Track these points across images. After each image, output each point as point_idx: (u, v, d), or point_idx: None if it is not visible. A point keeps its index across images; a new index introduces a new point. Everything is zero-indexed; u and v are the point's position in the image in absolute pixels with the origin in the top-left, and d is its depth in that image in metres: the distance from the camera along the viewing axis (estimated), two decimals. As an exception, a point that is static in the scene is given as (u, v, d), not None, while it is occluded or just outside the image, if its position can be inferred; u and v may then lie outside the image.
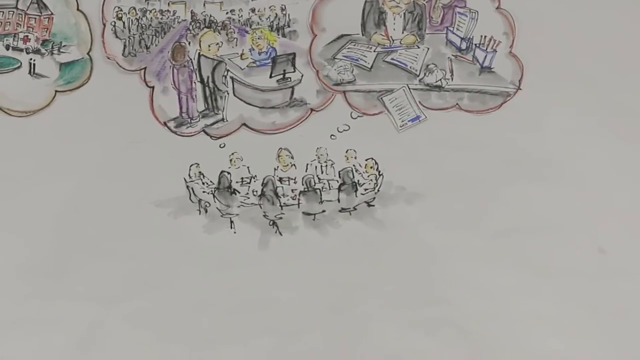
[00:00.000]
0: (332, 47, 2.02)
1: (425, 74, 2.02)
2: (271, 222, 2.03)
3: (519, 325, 2.04)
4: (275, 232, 2.03)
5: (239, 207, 2.03)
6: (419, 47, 2.03)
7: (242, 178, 2.02)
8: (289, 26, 2.00)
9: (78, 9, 1.95)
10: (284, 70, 2.01)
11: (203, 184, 2.01)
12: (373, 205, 2.04)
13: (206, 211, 2.02)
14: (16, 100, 1.96)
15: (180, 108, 2.00)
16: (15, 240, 1.99)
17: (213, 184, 2.02)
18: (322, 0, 1.99)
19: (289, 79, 2.02)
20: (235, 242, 2.03)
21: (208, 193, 2.02)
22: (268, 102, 2.01)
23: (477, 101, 2.02)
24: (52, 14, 1.94)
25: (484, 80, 2.03)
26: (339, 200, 2.04)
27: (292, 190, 2.03)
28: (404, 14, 2.01)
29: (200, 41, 1.99)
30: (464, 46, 2.02)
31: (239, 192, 2.02)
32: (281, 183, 2.03)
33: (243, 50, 2.01)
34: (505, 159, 2.03)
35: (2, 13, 1.93)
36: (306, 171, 2.03)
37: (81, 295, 2.01)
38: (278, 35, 2.01)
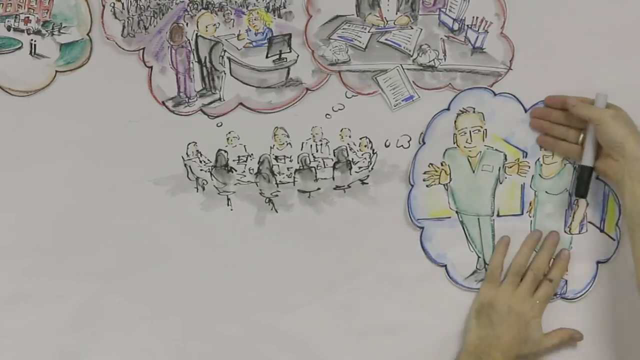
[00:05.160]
0: (327, 28, 2.04)
1: (418, 54, 2.04)
2: (267, 199, 2.06)
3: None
4: (271, 209, 2.06)
5: (235, 184, 2.05)
6: (412, 28, 2.04)
7: (238, 156, 2.05)
8: (284, 7, 2.03)
9: (78, -10, 1.98)
10: (280, 51, 2.04)
11: (200, 162, 2.04)
12: (367, 183, 2.06)
13: (203, 189, 2.05)
14: (17, 80, 1.99)
15: (178, 88, 2.03)
16: (15, 217, 2.03)
17: (210, 162, 2.04)
18: (317, -18, 2.02)
19: (284, 59, 2.04)
20: (232, 219, 2.06)
21: (205, 171, 2.04)
22: (264, 82, 2.04)
23: (469, 81, 2.05)
24: (52, -5, 1.97)
25: (475, 60, 2.05)
26: (333, 178, 2.06)
27: (287, 169, 2.05)
28: (398, -5, 2.04)
29: (197, 22, 2.02)
30: (456, 27, 2.04)
31: (236, 170, 2.05)
32: (277, 161, 2.05)
33: (240, 31, 2.03)
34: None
35: (3, -6, 1.97)
36: (301, 150, 2.06)
37: (80, 271, 2.04)
38: (274, 16, 2.03)
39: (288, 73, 2.04)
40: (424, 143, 2.05)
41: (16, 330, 2.04)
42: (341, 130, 2.05)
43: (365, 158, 2.05)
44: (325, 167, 2.05)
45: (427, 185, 2.06)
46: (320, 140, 2.04)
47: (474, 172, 2.05)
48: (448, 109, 2.05)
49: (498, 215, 2.07)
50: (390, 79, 2.04)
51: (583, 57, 2.05)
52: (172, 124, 2.03)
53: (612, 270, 2.06)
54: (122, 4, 1.99)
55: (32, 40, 1.98)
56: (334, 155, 2.05)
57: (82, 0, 1.98)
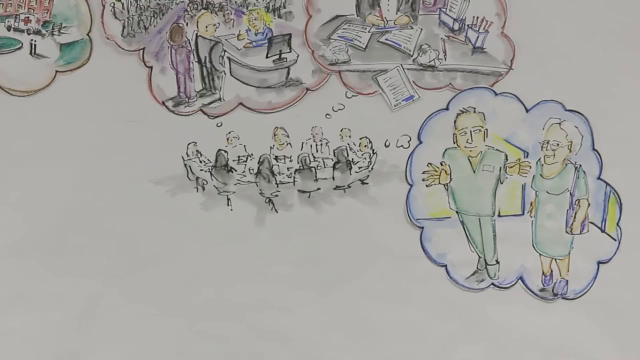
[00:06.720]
0: (327, 28, 2.04)
1: (418, 54, 2.04)
2: (267, 199, 2.06)
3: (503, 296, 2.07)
4: (271, 209, 2.06)
5: (235, 184, 2.05)
6: (412, 28, 2.04)
7: (238, 156, 2.05)
8: (284, 7, 2.03)
9: (78, -10, 1.99)
10: (280, 51, 2.04)
11: (200, 162, 2.03)
12: (367, 183, 2.06)
13: (203, 189, 2.05)
14: (17, 80, 2.00)
15: (178, 88, 2.03)
16: (16, 216, 2.02)
17: (210, 162, 2.04)
18: (317, -18, 2.02)
19: (284, 59, 2.04)
20: (232, 219, 2.06)
21: (205, 171, 2.04)
22: (264, 82, 2.04)
23: (469, 81, 2.05)
24: (52, -5, 1.98)
25: (476, 60, 2.05)
26: (333, 178, 2.06)
27: (287, 169, 2.05)
28: (398, -6, 2.04)
29: (197, 22, 2.02)
30: (456, 27, 2.04)
31: (236, 170, 2.05)
32: (277, 161, 2.05)
33: (240, 31, 2.03)
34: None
35: (4, -5, 1.97)
36: (301, 150, 2.06)
37: (81, 270, 2.04)
38: (274, 16, 2.03)
39: (288, 73, 2.04)
40: (421, 142, 2.05)
41: (16, 330, 2.03)
42: (341, 130, 2.05)
43: (365, 158, 2.05)
44: (325, 167, 2.04)
45: (426, 186, 2.05)
46: (320, 140, 2.04)
47: (474, 172, 2.05)
48: (447, 108, 2.04)
49: (499, 216, 2.07)
50: (391, 79, 2.04)
51: (583, 57, 2.05)
52: (172, 124, 2.03)
53: (613, 270, 2.05)
54: (122, 4, 2.00)
55: (32, 40, 1.99)
56: (334, 155, 2.05)
57: (82, 0, 1.99)
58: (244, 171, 2.05)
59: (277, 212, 2.06)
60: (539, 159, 2.06)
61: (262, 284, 2.06)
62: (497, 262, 2.07)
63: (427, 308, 2.06)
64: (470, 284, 2.07)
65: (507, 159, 2.06)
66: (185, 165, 2.04)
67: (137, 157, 2.03)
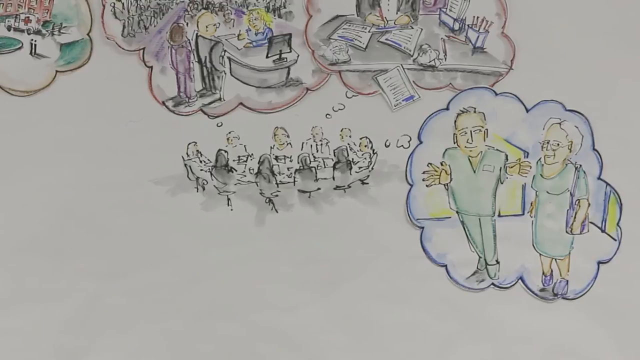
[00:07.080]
0: (328, 28, 2.04)
1: (419, 54, 2.04)
2: (267, 199, 2.05)
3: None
4: (271, 209, 2.05)
5: (235, 184, 2.05)
6: (412, 28, 2.04)
7: (238, 156, 2.05)
8: (285, 7, 2.03)
9: (78, -10, 1.99)
10: (280, 51, 2.04)
11: (201, 162, 2.03)
12: (367, 183, 2.06)
13: (204, 189, 2.04)
14: (17, 80, 1.99)
15: (179, 88, 2.03)
16: (16, 216, 2.02)
17: (210, 162, 2.04)
18: (317, -18, 2.02)
19: (285, 59, 2.04)
20: (232, 219, 2.05)
21: (205, 171, 2.04)
22: (264, 82, 2.04)
23: (469, 81, 2.05)
24: (52, -5, 1.98)
25: (476, 60, 2.05)
26: (333, 178, 2.06)
27: (287, 169, 2.05)
28: (398, -6, 2.04)
29: (197, 22, 2.02)
30: (456, 27, 2.04)
31: (236, 170, 2.04)
32: (277, 161, 2.05)
33: (240, 30, 2.03)
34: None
35: (4, -6, 1.97)
36: (302, 150, 2.05)
37: (81, 270, 2.03)
38: (274, 16, 2.03)
39: (288, 73, 2.04)
40: (421, 142, 2.05)
41: (16, 330, 2.03)
42: (341, 130, 2.05)
43: (365, 158, 2.05)
44: (325, 167, 2.04)
45: (427, 186, 2.05)
46: (321, 140, 2.04)
47: (474, 172, 2.05)
48: (447, 108, 2.04)
49: (499, 216, 2.07)
50: (391, 79, 2.04)
51: (583, 57, 2.06)
52: (172, 124, 2.03)
53: (613, 270, 2.05)
54: (122, 3, 2.00)
55: (32, 40, 1.98)
56: (334, 155, 2.05)
57: (82, 0, 1.98)
58: (244, 171, 2.05)
59: (277, 212, 2.06)
60: (539, 159, 2.06)
61: (262, 284, 2.05)
62: (497, 262, 2.07)
63: (427, 308, 2.06)
64: (470, 284, 2.07)
65: (507, 159, 2.06)
66: (185, 165, 2.03)
67: (137, 157, 2.03)
